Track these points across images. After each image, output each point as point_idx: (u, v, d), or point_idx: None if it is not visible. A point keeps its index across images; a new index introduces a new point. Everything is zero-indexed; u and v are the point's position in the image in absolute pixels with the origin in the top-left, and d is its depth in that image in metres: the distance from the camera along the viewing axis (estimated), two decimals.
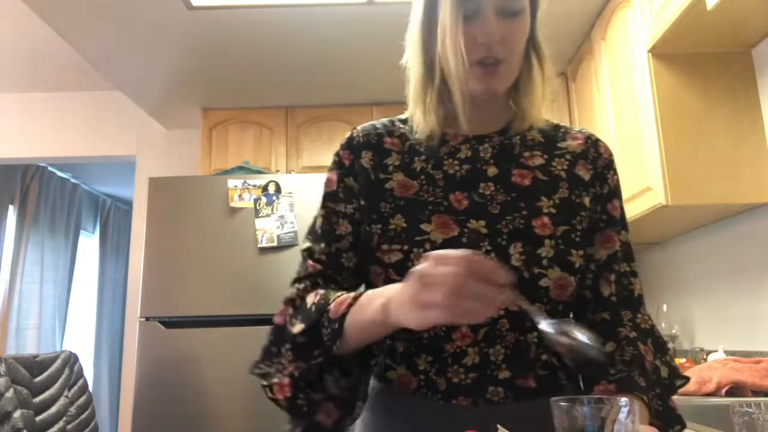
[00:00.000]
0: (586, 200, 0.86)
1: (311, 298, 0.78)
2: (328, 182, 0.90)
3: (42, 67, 3.49)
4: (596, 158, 0.89)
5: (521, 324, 0.78)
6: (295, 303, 0.81)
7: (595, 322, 0.84)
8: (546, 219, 0.81)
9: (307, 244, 0.88)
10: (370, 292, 0.74)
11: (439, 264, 0.61)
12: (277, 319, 0.81)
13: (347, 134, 0.92)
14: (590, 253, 0.86)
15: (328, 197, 0.89)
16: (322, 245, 0.86)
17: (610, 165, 0.90)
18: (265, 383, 0.77)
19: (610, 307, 0.85)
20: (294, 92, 3.33)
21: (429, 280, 0.61)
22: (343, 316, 0.72)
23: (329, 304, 0.75)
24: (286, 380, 0.75)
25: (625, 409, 0.54)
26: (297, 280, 0.86)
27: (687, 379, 0.81)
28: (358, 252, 0.86)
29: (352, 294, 0.75)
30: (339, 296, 0.76)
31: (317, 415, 0.76)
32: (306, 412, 0.76)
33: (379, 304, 0.69)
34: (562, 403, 0.55)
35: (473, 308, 0.60)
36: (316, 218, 0.90)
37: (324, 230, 0.87)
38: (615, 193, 0.90)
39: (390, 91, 3.27)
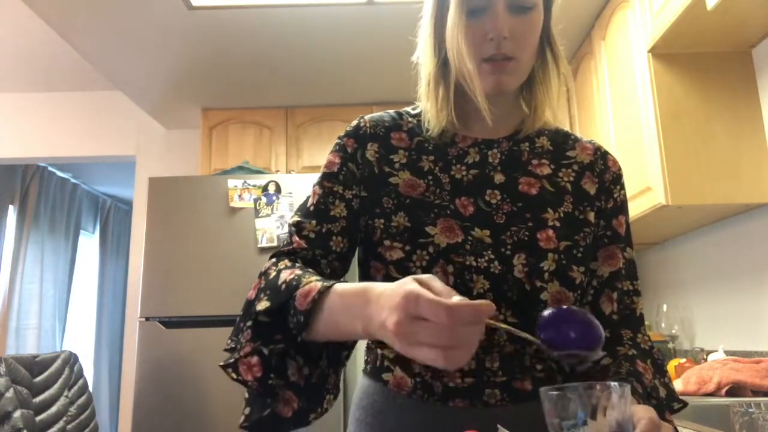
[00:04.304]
0: (590, 216, 0.84)
1: (284, 275, 0.72)
2: (329, 163, 0.86)
3: (42, 67, 3.49)
4: (603, 171, 0.88)
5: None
6: (268, 276, 0.75)
7: None
8: (551, 232, 0.80)
9: (297, 219, 0.83)
10: (340, 289, 0.65)
11: (426, 311, 0.52)
12: (249, 293, 0.76)
13: (354, 122, 0.89)
14: (593, 269, 0.85)
15: (327, 177, 0.85)
16: (313, 222, 0.82)
17: (617, 179, 0.89)
18: (223, 363, 0.70)
19: (610, 325, 0.83)
20: (294, 92, 3.33)
21: (420, 330, 0.53)
22: (309, 311, 0.65)
23: (299, 288, 0.68)
24: (255, 359, 0.68)
25: (617, 393, 0.53)
26: (277, 254, 0.81)
27: (684, 404, 0.79)
28: (348, 239, 0.83)
29: (319, 285, 0.67)
30: (308, 281, 0.68)
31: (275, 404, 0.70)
32: (278, 395, 0.69)
33: (357, 320, 0.61)
34: (551, 392, 0.54)
35: (464, 355, 0.53)
36: (309, 196, 0.86)
37: (318, 209, 0.83)
38: (621, 209, 0.88)
39: (390, 90, 3.27)
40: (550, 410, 0.54)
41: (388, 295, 0.57)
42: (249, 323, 0.71)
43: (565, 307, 0.61)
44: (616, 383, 0.53)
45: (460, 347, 0.52)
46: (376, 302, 0.59)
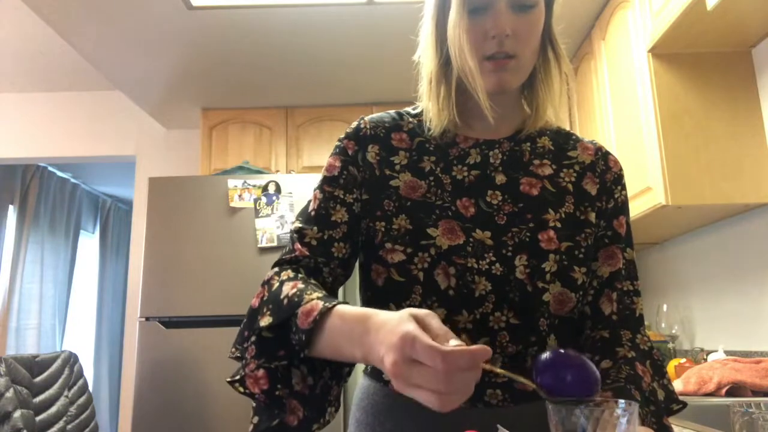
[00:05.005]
0: (592, 216, 0.84)
1: (287, 288, 0.72)
2: (329, 167, 0.86)
3: (42, 67, 3.49)
4: (604, 171, 0.88)
5: (522, 337, 0.78)
6: (271, 287, 0.75)
7: (593, 340, 0.83)
8: (552, 233, 0.79)
9: (298, 225, 0.83)
10: (342, 311, 0.65)
11: (422, 356, 0.52)
12: (253, 301, 0.76)
13: (354, 123, 0.89)
14: (593, 269, 0.85)
15: (328, 181, 0.85)
16: (315, 229, 0.81)
17: (618, 180, 0.88)
18: (230, 379, 0.71)
19: (609, 325, 0.83)
20: (294, 92, 3.33)
21: (416, 373, 0.53)
22: (311, 330, 0.66)
23: (301, 305, 0.68)
24: (261, 372, 0.69)
25: (624, 413, 0.53)
26: (280, 263, 0.81)
27: (684, 405, 0.79)
28: (350, 244, 0.83)
29: (320, 305, 0.67)
30: (311, 298, 0.69)
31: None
32: (285, 406, 0.70)
33: (357, 347, 0.62)
34: (559, 406, 0.54)
35: (460, 399, 0.54)
36: (310, 200, 0.86)
37: (319, 214, 0.83)
38: (622, 209, 0.88)
39: (390, 90, 3.27)
40: (556, 424, 0.54)
41: (386, 331, 0.57)
42: (253, 339, 0.71)
43: (561, 351, 0.61)
44: (623, 402, 0.53)
45: (456, 392, 0.52)
46: (376, 334, 0.59)
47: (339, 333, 0.64)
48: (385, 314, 0.60)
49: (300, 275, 0.77)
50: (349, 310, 0.65)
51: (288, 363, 0.71)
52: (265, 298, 0.74)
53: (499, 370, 0.57)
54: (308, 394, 0.71)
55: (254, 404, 0.72)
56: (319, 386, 0.72)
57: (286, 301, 0.70)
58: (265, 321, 0.71)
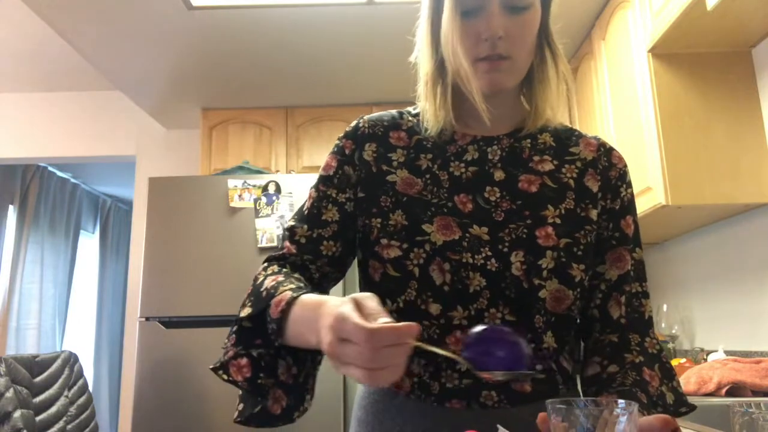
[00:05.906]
0: (593, 213, 0.83)
1: (268, 282, 0.76)
2: (326, 166, 0.88)
3: (42, 67, 3.49)
4: (607, 168, 0.86)
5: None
6: (256, 281, 0.79)
7: (602, 344, 0.83)
8: (550, 229, 0.79)
9: (291, 223, 0.86)
10: (305, 300, 0.68)
11: (350, 334, 0.55)
12: (244, 297, 0.80)
13: (353, 122, 0.90)
14: (600, 272, 0.84)
15: (323, 181, 0.87)
16: (305, 227, 0.84)
17: (623, 177, 0.87)
18: (212, 366, 0.73)
19: (618, 329, 0.83)
20: (294, 92, 3.33)
21: (346, 351, 0.56)
22: (280, 319, 0.69)
23: (275, 296, 0.72)
24: (244, 361, 0.72)
25: (624, 412, 0.53)
26: (269, 260, 0.84)
27: (693, 408, 0.79)
28: (341, 242, 0.84)
29: (289, 295, 0.70)
30: (284, 289, 0.72)
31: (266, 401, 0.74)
32: (267, 393, 0.72)
33: (312, 333, 0.64)
34: (558, 405, 0.54)
35: (390, 375, 0.56)
36: (306, 199, 0.89)
37: (310, 213, 0.85)
38: (629, 208, 0.87)
39: (390, 91, 3.27)
40: (556, 424, 0.54)
41: (326, 314, 0.60)
42: (234, 328, 0.75)
43: (487, 326, 0.63)
44: (623, 402, 0.53)
45: (384, 368, 0.55)
46: (322, 319, 0.61)
47: (300, 321, 0.68)
48: (334, 300, 0.63)
49: (284, 270, 0.80)
50: (311, 298, 0.68)
51: (275, 354, 0.74)
52: (249, 292, 0.78)
53: (428, 347, 0.59)
54: (292, 384, 0.74)
55: (240, 392, 0.76)
56: (302, 375, 0.76)
57: (264, 293, 0.74)
58: (245, 312, 0.75)
